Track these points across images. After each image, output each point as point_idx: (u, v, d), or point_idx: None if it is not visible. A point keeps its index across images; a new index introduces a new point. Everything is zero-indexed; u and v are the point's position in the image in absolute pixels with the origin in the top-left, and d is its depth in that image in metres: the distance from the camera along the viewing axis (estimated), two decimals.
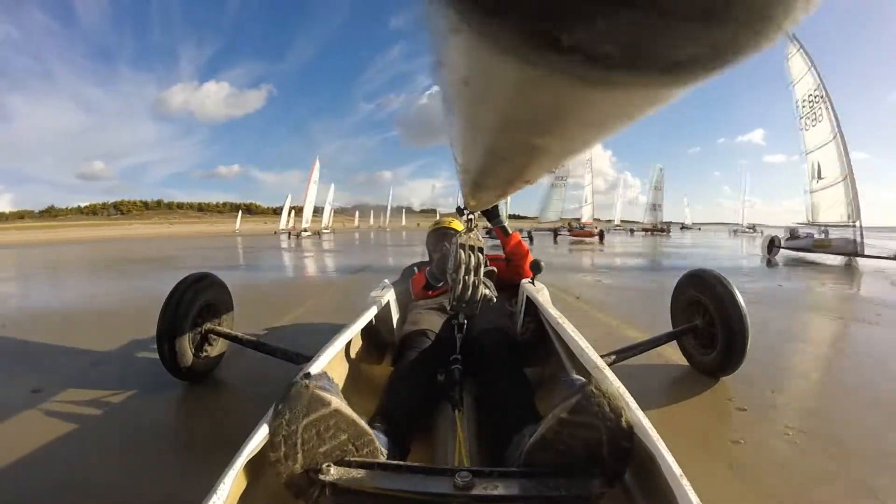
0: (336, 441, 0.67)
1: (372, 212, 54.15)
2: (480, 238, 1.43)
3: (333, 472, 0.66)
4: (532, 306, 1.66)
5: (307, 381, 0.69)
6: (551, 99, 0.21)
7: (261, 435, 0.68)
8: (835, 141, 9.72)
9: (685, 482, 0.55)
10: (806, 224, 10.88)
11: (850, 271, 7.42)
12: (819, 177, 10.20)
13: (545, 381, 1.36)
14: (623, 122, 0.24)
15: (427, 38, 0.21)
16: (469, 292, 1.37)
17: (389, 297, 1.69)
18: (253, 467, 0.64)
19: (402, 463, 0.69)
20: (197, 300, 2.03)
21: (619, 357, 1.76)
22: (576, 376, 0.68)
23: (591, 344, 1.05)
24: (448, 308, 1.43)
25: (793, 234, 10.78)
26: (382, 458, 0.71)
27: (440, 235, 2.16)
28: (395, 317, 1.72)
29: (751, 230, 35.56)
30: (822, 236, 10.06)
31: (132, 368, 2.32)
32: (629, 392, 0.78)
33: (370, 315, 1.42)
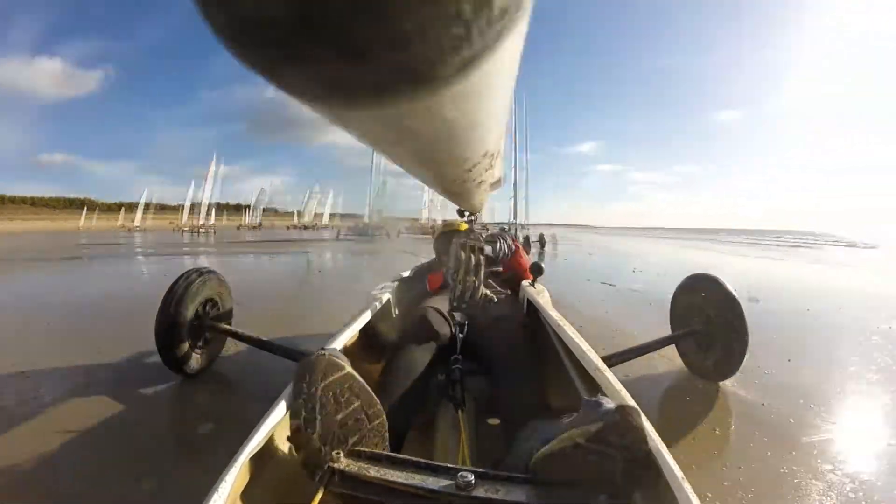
0: (350, 407, 0.72)
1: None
2: (481, 239, 1.44)
3: (343, 461, 0.68)
4: (532, 308, 1.66)
5: (323, 350, 0.75)
6: (380, 123, 0.24)
7: (264, 430, 0.68)
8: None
9: (689, 489, 0.55)
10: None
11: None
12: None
13: (546, 384, 1.36)
14: (433, 131, 0.27)
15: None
16: (469, 293, 1.37)
17: (390, 295, 1.69)
18: (257, 462, 0.64)
19: (408, 458, 0.69)
20: (196, 295, 2.03)
21: (619, 360, 1.76)
22: (603, 398, 0.66)
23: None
24: (449, 307, 1.43)
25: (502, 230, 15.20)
26: (383, 452, 0.72)
27: (449, 237, 2.17)
28: (396, 315, 1.73)
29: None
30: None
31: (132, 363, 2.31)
32: (630, 395, 0.78)
33: (371, 313, 1.42)
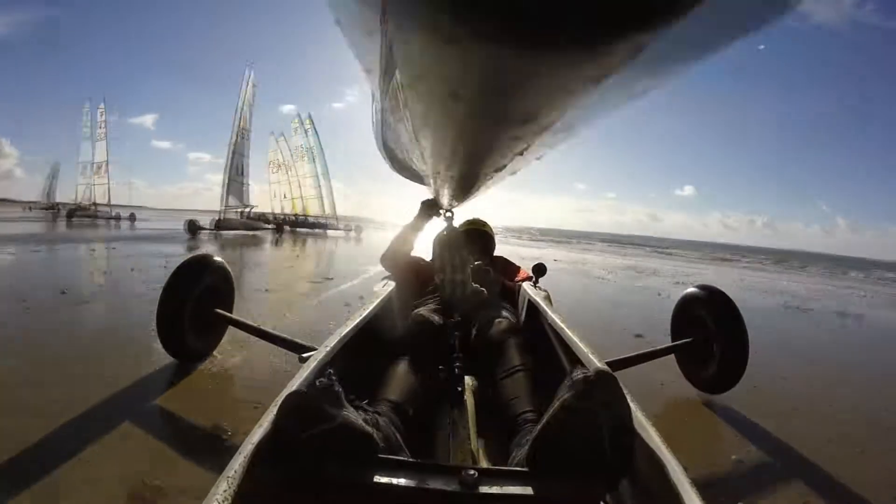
0: (341, 448, 0.66)
1: None
2: (461, 234, 1.45)
3: (339, 466, 0.65)
4: (532, 307, 1.66)
5: (311, 393, 0.66)
6: (511, 74, 0.22)
7: (265, 428, 0.67)
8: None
9: (688, 484, 0.55)
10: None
11: None
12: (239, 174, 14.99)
13: (546, 384, 1.35)
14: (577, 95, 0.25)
15: (401, 52, 0.23)
16: (458, 290, 1.38)
17: (391, 292, 1.69)
18: (258, 460, 0.63)
19: (408, 459, 0.68)
20: (198, 282, 2.03)
21: (620, 365, 1.76)
22: (582, 368, 0.68)
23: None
24: (446, 306, 1.43)
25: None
26: (385, 454, 0.70)
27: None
28: (397, 311, 1.72)
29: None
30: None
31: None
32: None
33: (372, 309, 1.41)
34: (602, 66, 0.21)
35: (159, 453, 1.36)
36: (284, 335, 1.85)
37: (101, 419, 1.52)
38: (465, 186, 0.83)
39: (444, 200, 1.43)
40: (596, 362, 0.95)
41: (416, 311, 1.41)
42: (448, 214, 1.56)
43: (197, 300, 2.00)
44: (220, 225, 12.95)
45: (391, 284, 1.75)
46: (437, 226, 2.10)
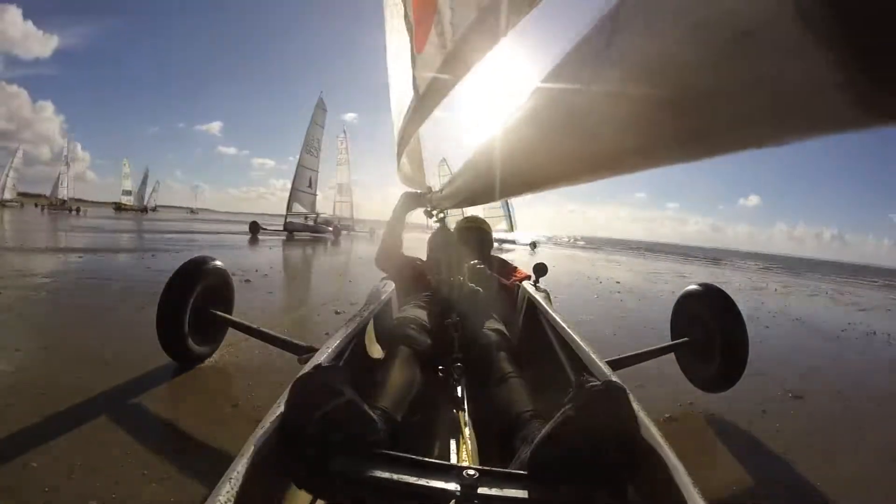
0: (347, 432, 0.67)
1: None
2: (454, 235, 1.45)
3: (341, 462, 0.66)
4: (532, 307, 1.66)
5: (321, 372, 0.69)
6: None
7: (269, 426, 0.67)
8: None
9: (692, 486, 0.55)
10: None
11: None
12: (309, 187, 16.96)
13: (545, 383, 1.35)
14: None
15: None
16: (455, 289, 1.38)
17: (391, 292, 1.69)
18: (260, 462, 0.63)
19: (409, 456, 0.68)
20: (197, 284, 2.03)
21: (619, 364, 1.76)
22: (588, 376, 0.67)
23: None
24: (441, 306, 1.42)
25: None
26: (388, 450, 0.70)
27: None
28: (396, 312, 1.72)
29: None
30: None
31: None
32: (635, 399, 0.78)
33: (372, 310, 1.41)
34: None
35: (159, 453, 1.36)
36: (284, 336, 1.84)
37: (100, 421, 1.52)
38: (467, 202, 0.84)
39: (441, 206, 1.43)
40: (600, 364, 0.95)
41: (414, 311, 1.41)
42: (441, 216, 1.56)
43: (196, 303, 2.00)
44: (290, 227, 15.18)
45: (391, 285, 1.75)
46: (426, 220, 2.09)
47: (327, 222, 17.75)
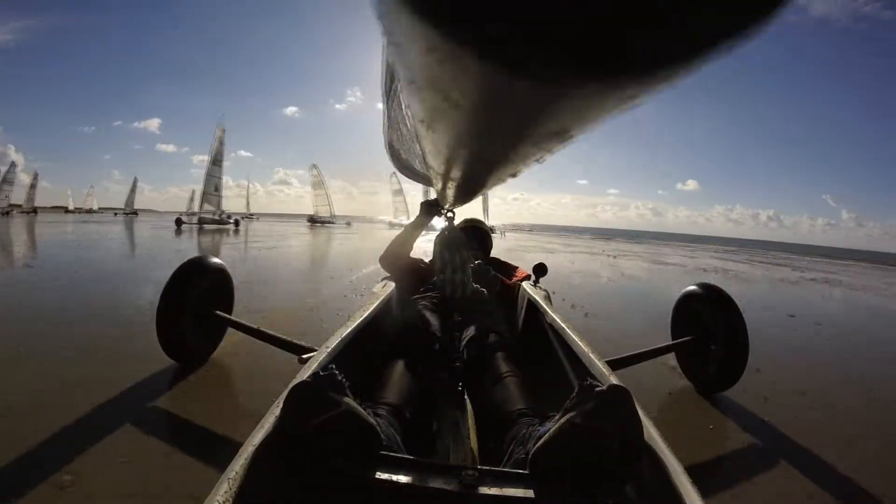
0: (345, 441, 0.66)
1: None
2: (462, 234, 1.44)
3: (340, 463, 0.65)
4: (532, 307, 1.66)
5: (317, 382, 0.66)
6: (527, 103, 0.22)
7: (268, 426, 0.67)
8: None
9: (691, 486, 0.55)
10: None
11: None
12: (216, 191, 23.77)
13: (545, 383, 1.35)
14: (600, 118, 0.24)
15: (401, 59, 0.22)
16: (459, 290, 1.37)
17: (391, 292, 1.69)
18: (259, 461, 0.63)
19: (409, 457, 0.68)
20: (199, 284, 2.03)
21: (619, 364, 1.76)
22: (594, 381, 0.67)
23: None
24: (443, 306, 1.42)
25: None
26: (387, 452, 0.70)
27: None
28: (397, 312, 1.72)
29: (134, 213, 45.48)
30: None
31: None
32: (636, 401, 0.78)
33: (372, 310, 1.41)
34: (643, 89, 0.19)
35: (159, 453, 1.36)
36: (284, 336, 1.84)
37: (98, 421, 1.52)
38: (466, 190, 0.83)
39: (447, 201, 1.42)
40: (599, 364, 0.95)
41: (415, 310, 1.41)
42: (450, 215, 1.56)
43: (196, 302, 2.00)
44: (201, 221, 20.70)
45: (391, 285, 1.74)
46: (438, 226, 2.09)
47: (229, 216, 24.04)
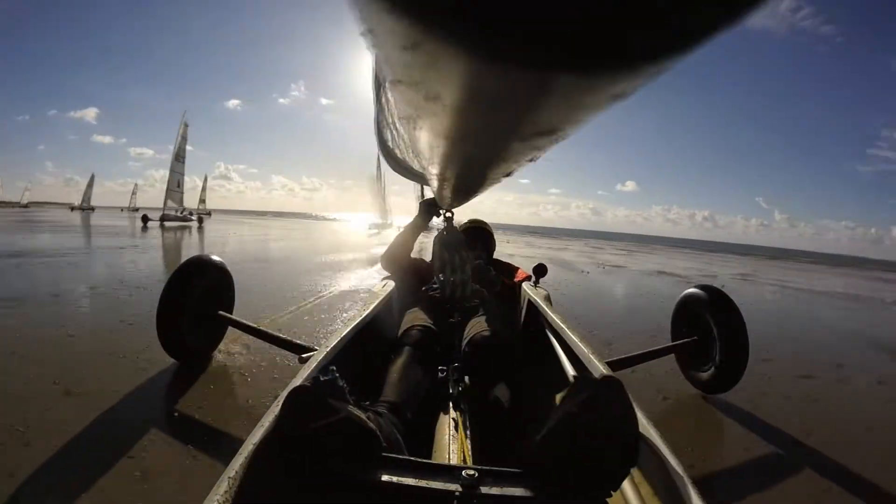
0: (345, 442, 0.66)
1: None
2: (461, 234, 1.43)
3: (339, 465, 0.65)
4: (532, 307, 1.66)
5: (316, 387, 0.66)
6: (514, 97, 0.22)
7: (268, 425, 0.66)
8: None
9: (690, 485, 0.55)
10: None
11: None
12: (178, 187, 22.63)
13: (545, 383, 1.35)
14: (591, 113, 0.24)
15: (385, 58, 0.22)
16: (459, 290, 1.37)
17: (391, 292, 1.68)
18: (259, 460, 0.63)
19: (408, 458, 0.68)
20: (198, 283, 2.03)
21: (620, 365, 1.76)
22: (588, 374, 0.67)
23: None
24: (443, 307, 1.42)
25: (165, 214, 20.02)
26: (387, 453, 0.70)
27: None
28: (397, 312, 1.72)
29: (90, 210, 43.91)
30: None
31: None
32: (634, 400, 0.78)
33: (372, 310, 1.41)
34: (631, 84, 0.19)
35: (158, 454, 1.36)
36: (284, 336, 1.84)
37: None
38: (463, 190, 0.83)
39: (445, 201, 1.42)
40: (599, 365, 0.95)
41: (418, 311, 1.41)
42: (448, 215, 1.56)
43: (197, 301, 2.00)
44: (164, 218, 19.66)
45: (391, 285, 1.74)
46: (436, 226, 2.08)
47: (191, 212, 23.46)
